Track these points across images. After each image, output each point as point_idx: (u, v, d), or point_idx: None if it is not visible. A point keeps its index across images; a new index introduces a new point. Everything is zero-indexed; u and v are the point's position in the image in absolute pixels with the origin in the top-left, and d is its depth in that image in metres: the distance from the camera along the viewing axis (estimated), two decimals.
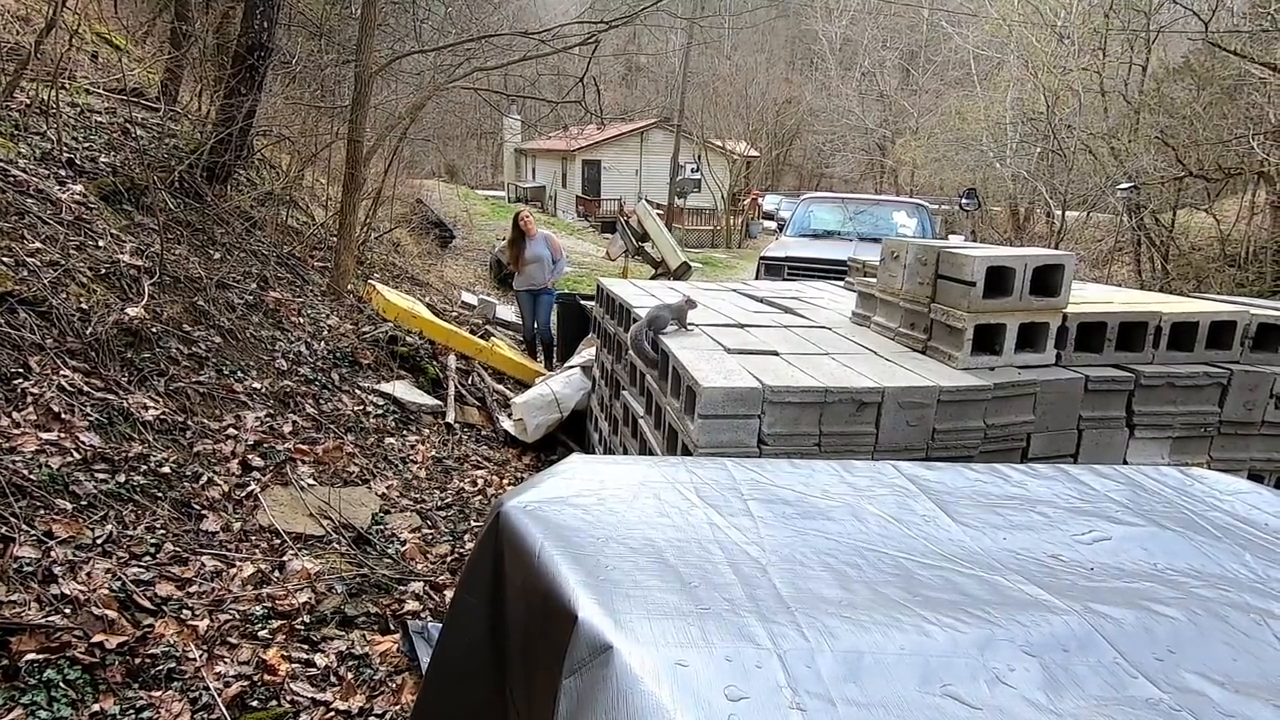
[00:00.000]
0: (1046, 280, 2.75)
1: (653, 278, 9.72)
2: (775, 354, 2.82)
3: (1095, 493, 1.40)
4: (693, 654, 0.80)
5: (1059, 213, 14.16)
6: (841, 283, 5.10)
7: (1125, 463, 2.84)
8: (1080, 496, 1.38)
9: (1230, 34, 10.97)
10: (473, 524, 3.72)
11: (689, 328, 3.16)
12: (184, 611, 2.53)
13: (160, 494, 2.98)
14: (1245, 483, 1.48)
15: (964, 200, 12.40)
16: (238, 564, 2.84)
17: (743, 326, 3.30)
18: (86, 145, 5.00)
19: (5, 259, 3.44)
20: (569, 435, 5.05)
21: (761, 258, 8.35)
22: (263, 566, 2.88)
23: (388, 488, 3.85)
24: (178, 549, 2.77)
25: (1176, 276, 11.53)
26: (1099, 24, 13.57)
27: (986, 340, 2.75)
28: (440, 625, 2.14)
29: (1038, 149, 15.30)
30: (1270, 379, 2.90)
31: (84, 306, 3.54)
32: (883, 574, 1.03)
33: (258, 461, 3.50)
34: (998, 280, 2.70)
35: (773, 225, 23.96)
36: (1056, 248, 12.57)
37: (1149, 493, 1.41)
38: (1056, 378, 2.74)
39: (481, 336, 6.78)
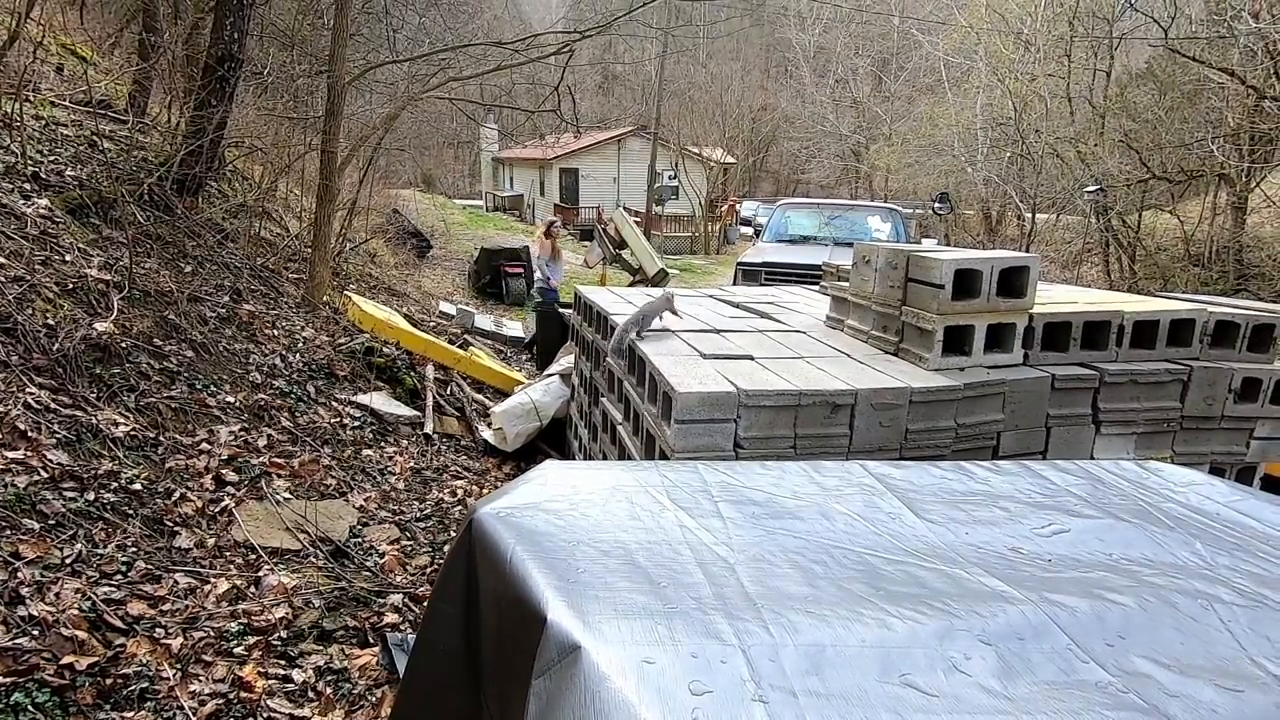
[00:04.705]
0: (1013, 282, 2.82)
1: (631, 285, 9.75)
2: (750, 358, 2.85)
3: (1056, 487, 1.44)
4: (659, 652, 0.82)
5: (1029, 215, 14.45)
6: (817, 287, 5.16)
7: (1092, 458, 2.90)
8: (1042, 491, 1.42)
9: (1189, 40, 11.31)
10: (452, 534, 3.71)
11: (670, 322, 3.23)
12: (157, 630, 2.49)
13: (131, 511, 2.94)
14: (1199, 474, 1.53)
15: (937, 204, 12.61)
16: (212, 580, 2.81)
17: (719, 332, 3.33)
18: (52, 159, 4.92)
19: None
20: (549, 443, 5.04)
21: (739, 263, 8.42)
22: (238, 582, 2.84)
23: (365, 500, 3.82)
24: (150, 567, 2.73)
25: (1144, 276, 11.81)
26: (1063, 31, 13.91)
27: (956, 341, 2.81)
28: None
29: (1007, 153, 15.62)
30: (1228, 374, 2.99)
31: (50, 322, 3.48)
32: (848, 570, 1.05)
33: (232, 476, 3.45)
34: (966, 282, 2.76)
35: (750, 231, 24.15)
36: (1027, 250, 12.82)
37: (1107, 486, 1.45)
38: (1024, 377, 2.80)
39: (460, 346, 6.76)
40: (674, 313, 3.29)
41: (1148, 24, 12.80)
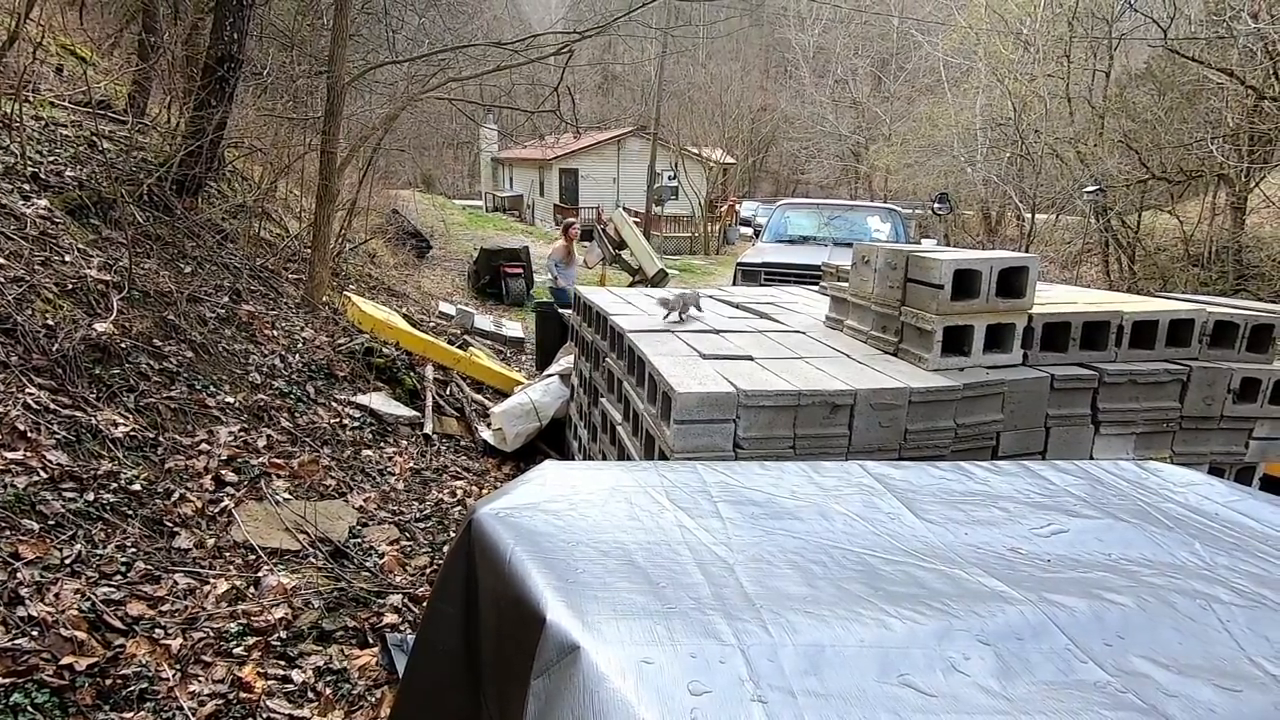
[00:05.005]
0: (1012, 282, 2.82)
1: (630, 285, 9.75)
2: (750, 359, 2.85)
3: (1055, 487, 1.44)
4: (658, 652, 0.82)
5: (1029, 216, 14.46)
6: (816, 288, 5.16)
7: (1092, 458, 2.90)
8: (1041, 491, 1.42)
9: (1188, 41, 11.32)
10: (451, 535, 3.71)
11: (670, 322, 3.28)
12: (156, 630, 2.49)
13: (131, 512, 2.94)
14: (1198, 475, 1.53)
15: (936, 205, 12.62)
16: (212, 581, 2.81)
17: (718, 332, 3.33)
18: (52, 159, 4.92)
19: None
20: (549, 444, 5.04)
21: (738, 264, 8.42)
22: (237, 583, 2.84)
23: (365, 500, 3.82)
24: (149, 567, 2.73)
25: (1143, 277, 11.82)
26: (1063, 32, 13.91)
27: (955, 342, 2.81)
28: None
29: (1007, 154, 15.62)
30: (1227, 374, 2.99)
31: (50, 323, 3.48)
32: (847, 570, 1.05)
33: (231, 477, 3.45)
34: (965, 283, 2.76)
35: (749, 231, 24.15)
36: (1027, 250, 12.83)
37: (1106, 486, 1.45)
38: (1023, 377, 2.80)
39: (459, 346, 6.76)
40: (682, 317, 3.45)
41: (1147, 24, 12.81)
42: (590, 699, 0.75)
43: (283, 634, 2.66)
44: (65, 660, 2.21)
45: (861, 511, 1.27)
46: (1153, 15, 12.09)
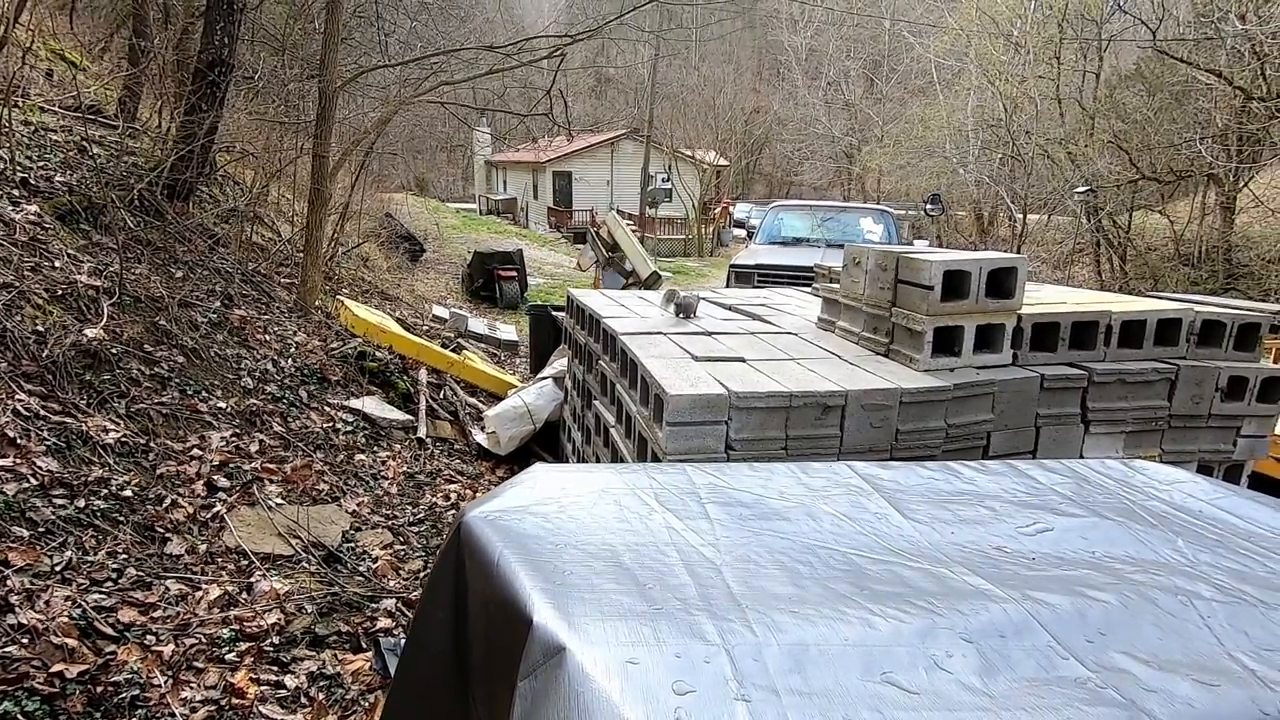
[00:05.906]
0: (1002, 283, 2.84)
1: (623, 288, 9.76)
2: (742, 360, 2.86)
3: (1041, 486, 1.45)
4: (643, 652, 0.82)
5: (1020, 216, 14.53)
6: (809, 289, 5.18)
7: (1081, 457, 2.92)
8: (1027, 490, 1.43)
9: (1177, 42, 11.42)
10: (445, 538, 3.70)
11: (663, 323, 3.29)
12: (148, 637, 2.48)
13: (122, 518, 2.92)
14: (1183, 473, 1.54)
15: (929, 206, 12.67)
16: (204, 587, 2.80)
17: (710, 334, 3.34)
18: (41, 164, 4.90)
19: None
20: (543, 446, 5.04)
21: (731, 265, 8.44)
22: (230, 588, 2.83)
23: (358, 505, 3.81)
24: (141, 573, 2.72)
25: (1134, 276, 11.90)
26: (1052, 34, 14.02)
27: (946, 342, 2.82)
28: None
29: (998, 155, 15.71)
30: (1215, 373, 3.02)
31: (40, 329, 3.47)
32: (833, 570, 1.06)
33: (224, 482, 3.44)
34: (955, 283, 2.77)
35: (743, 233, 24.20)
36: (1019, 250, 12.90)
37: (1092, 485, 1.46)
38: (1013, 377, 2.82)
39: (453, 350, 6.75)
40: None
41: (1136, 26, 12.92)
42: (575, 699, 0.76)
43: (275, 639, 2.65)
44: (56, 668, 2.20)
45: (849, 511, 1.28)
46: (1141, 17, 12.20)
